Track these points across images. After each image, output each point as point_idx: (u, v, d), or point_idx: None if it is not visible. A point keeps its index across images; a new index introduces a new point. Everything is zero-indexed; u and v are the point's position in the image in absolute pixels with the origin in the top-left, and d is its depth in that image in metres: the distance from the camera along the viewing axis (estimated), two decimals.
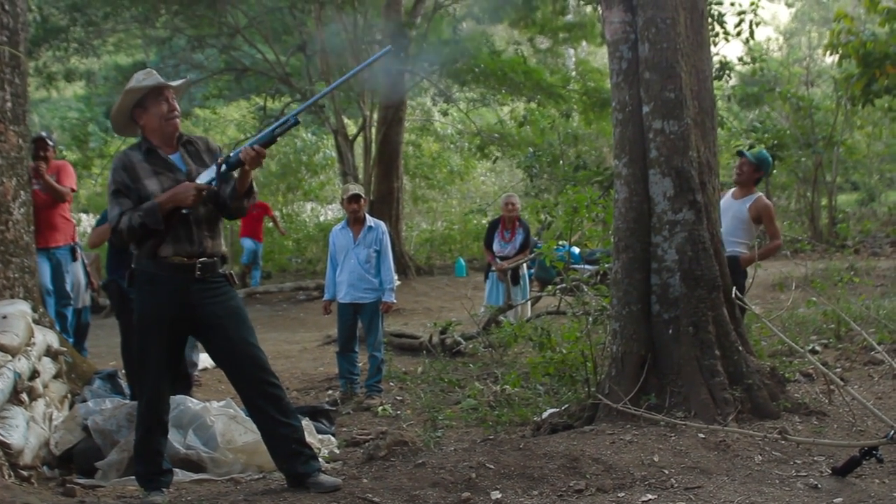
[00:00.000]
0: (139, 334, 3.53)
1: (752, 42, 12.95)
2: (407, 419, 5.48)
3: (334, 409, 5.54)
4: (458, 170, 19.99)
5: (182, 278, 3.48)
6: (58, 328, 5.69)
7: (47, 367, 4.66)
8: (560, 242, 7.11)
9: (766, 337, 6.40)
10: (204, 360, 6.61)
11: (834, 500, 3.17)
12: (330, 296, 6.46)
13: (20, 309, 4.45)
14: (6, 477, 3.60)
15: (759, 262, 5.88)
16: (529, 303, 8.35)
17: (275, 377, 3.61)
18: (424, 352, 7.59)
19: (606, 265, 5.39)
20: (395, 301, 6.43)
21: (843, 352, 6.40)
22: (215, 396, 5.42)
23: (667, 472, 3.52)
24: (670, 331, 4.40)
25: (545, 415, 4.81)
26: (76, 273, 6.52)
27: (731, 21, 12.37)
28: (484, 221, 15.81)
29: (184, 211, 3.45)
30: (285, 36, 15.18)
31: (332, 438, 4.85)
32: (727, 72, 13.06)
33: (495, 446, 3.90)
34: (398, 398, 6.16)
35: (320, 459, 3.87)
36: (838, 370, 5.77)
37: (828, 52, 9.94)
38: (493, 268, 8.19)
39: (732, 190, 5.96)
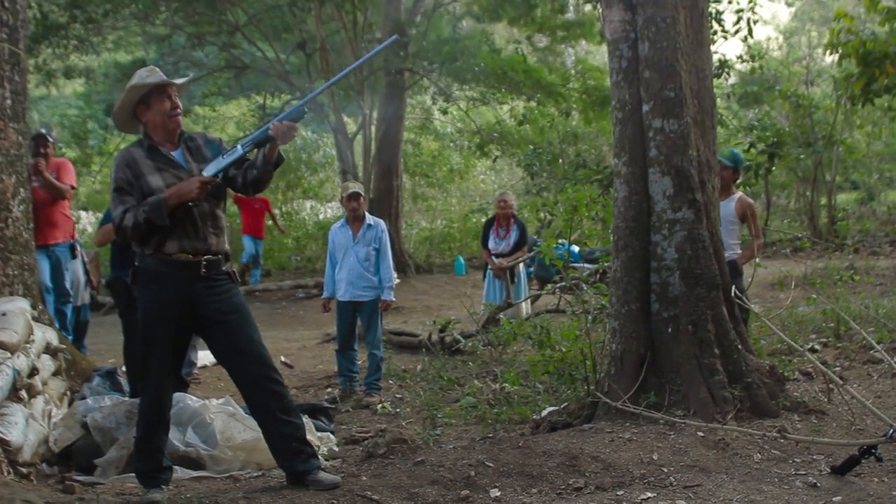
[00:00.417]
0: (143, 332, 3.53)
1: (750, 40, 12.95)
2: (406, 417, 5.49)
3: (333, 406, 5.54)
4: (457, 168, 20.01)
5: (187, 275, 3.48)
6: (57, 325, 5.69)
7: (46, 364, 4.66)
8: (560, 241, 7.11)
9: (766, 336, 6.40)
10: (203, 357, 6.60)
11: (833, 499, 3.17)
12: (329, 294, 6.46)
13: (19, 306, 4.45)
14: (5, 474, 3.60)
15: (758, 262, 5.88)
16: (528, 301, 8.35)
17: (278, 375, 3.61)
18: (424, 350, 7.60)
19: (606, 264, 5.39)
20: (394, 299, 6.43)
21: (843, 351, 6.40)
22: (214, 394, 5.43)
23: (666, 470, 3.53)
24: (669, 329, 4.40)
25: (544, 413, 4.82)
26: (76, 270, 6.51)
27: (729, 19, 12.38)
28: (484, 220, 15.78)
29: (189, 204, 3.45)
30: (285, 34, 15.15)
31: (332, 436, 4.86)
32: (726, 70, 13.06)
33: (494, 444, 3.90)
34: (397, 396, 6.17)
35: (319, 457, 3.87)
36: (837, 369, 5.77)
37: (827, 52, 9.93)
38: (490, 266, 8.21)
39: None
